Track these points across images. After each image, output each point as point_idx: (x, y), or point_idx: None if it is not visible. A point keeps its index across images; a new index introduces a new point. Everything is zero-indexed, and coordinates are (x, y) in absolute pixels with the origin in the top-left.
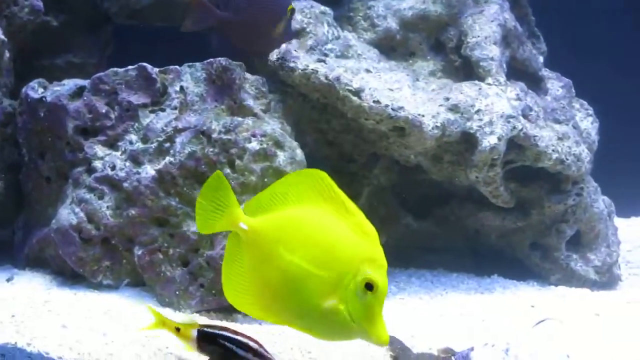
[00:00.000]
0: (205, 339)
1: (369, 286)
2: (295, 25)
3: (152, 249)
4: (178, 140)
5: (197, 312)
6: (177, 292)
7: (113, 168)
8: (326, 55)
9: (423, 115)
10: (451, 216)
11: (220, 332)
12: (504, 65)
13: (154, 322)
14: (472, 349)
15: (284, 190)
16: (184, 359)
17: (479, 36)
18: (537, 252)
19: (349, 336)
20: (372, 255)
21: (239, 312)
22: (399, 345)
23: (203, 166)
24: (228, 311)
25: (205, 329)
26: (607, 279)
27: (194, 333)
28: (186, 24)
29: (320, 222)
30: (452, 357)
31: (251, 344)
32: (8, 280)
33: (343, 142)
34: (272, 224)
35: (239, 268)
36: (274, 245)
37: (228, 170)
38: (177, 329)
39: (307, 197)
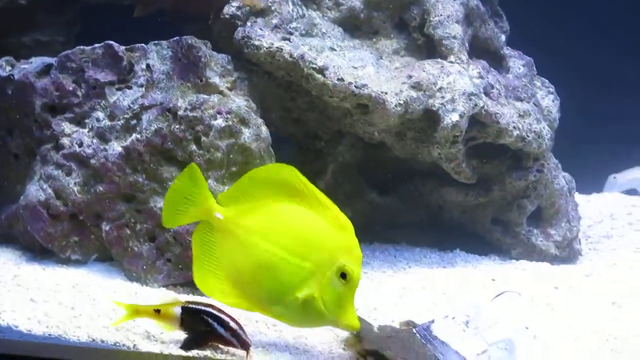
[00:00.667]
0: (189, 316)
1: (344, 275)
2: (260, 3)
3: (119, 225)
4: (144, 117)
5: (164, 286)
6: (145, 267)
7: (80, 145)
8: (291, 33)
9: (386, 93)
10: (415, 192)
11: (204, 308)
12: (466, 44)
13: (127, 314)
14: (432, 321)
15: (256, 183)
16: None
17: (441, 15)
18: (499, 227)
19: (321, 323)
20: (348, 247)
21: None
22: (361, 322)
23: (169, 143)
24: (194, 285)
25: (190, 305)
26: (567, 253)
27: (178, 310)
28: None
29: (297, 214)
30: (414, 330)
31: (232, 324)
32: None
33: (308, 120)
34: (248, 214)
35: (211, 258)
36: (250, 234)
37: (194, 147)
38: (157, 311)
39: (279, 190)
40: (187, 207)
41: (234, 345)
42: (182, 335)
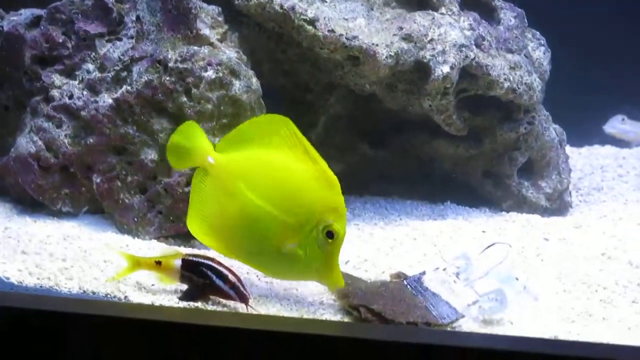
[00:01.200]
0: (188, 268)
1: (330, 234)
2: None
3: (110, 177)
4: (135, 69)
5: (155, 238)
6: (136, 219)
7: (71, 97)
8: None
9: (377, 45)
10: (406, 144)
11: (204, 260)
12: None
13: (128, 267)
14: (424, 273)
15: (251, 132)
16: (141, 282)
17: None
18: (490, 180)
19: (303, 278)
20: (334, 205)
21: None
22: (348, 279)
23: (160, 95)
24: (186, 237)
25: (190, 257)
26: (557, 205)
27: (178, 263)
28: None
29: (284, 167)
30: (405, 281)
31: (231, 277)
32: None
33: (299, 72)
34: (238, 161)
35: (202, 202)
36: (237, 182)
37: (184, 99)
38: (158, 263)
39: (272, 141)
40: (187, 152)
41: (232, 299)
42: (175, 287)
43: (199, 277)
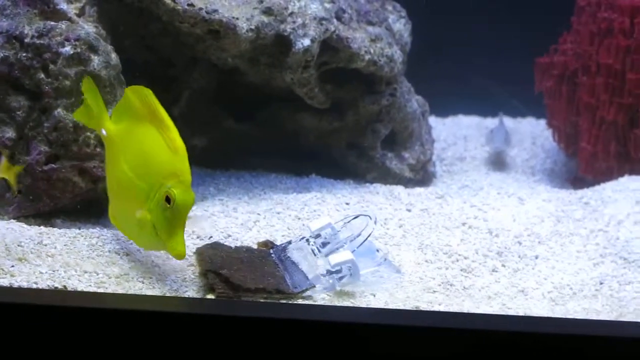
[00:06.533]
0: None
1: (168, 200)
2: None
3: None
4: None
5: (14, 218)
6: None
7: None
8: None
9: (237, 18)
10: (271, 118)
11: None
12: None
13: None
14: (290, 242)
15: (126, 104)
16: None
17: None
18: (354, 152)
19: (158, 246)
20: (174, 170)
21: (58, 218)
22: (216, 248)
23: (16, 71)
24: (46, 217)
25: None
26: (421, 176)
27: None
28: None
29: (146, 136)
30: (271, 250)
31: None
32: None
33: (161, 47)
34: (120, 132)
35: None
36: (117, 153)
37: (42, 75)
38: None
39: (140, 112)
40: (90, 118)
41: None
42: None
43: None
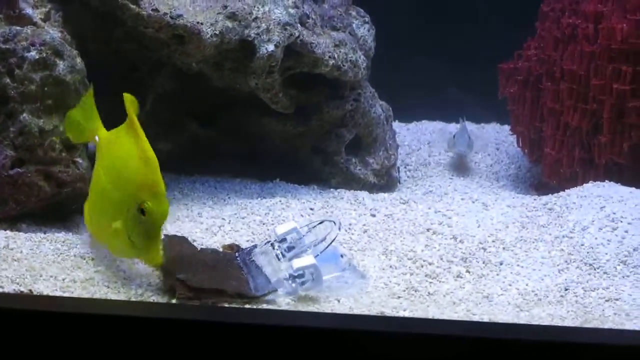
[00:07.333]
0: None
1: (143, 212)
2: None
3: None
4: None
5: None
6: None
7: None
8: None
9: (202, 23)
10: (236, 123)
11: None
12: None
13: None
14: (255, 246)
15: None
16: None
17: None
18: (318, 157)
19: (133, 255)
20: (147, 182)
21: (23, 222)
22: (184, 244)
23: None
24: (13, 222)
25: None
26: (385, 181)
27: None
28: None
29: (122, 145)
30: (236, 253)
31: None
32: None
33: (127, 51)
34: (106, 141)
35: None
36: (100, 160)
37: (7, 80)
38: None
39: (126, 121)
40: (82, 130)
41: None
42: None
43: None
